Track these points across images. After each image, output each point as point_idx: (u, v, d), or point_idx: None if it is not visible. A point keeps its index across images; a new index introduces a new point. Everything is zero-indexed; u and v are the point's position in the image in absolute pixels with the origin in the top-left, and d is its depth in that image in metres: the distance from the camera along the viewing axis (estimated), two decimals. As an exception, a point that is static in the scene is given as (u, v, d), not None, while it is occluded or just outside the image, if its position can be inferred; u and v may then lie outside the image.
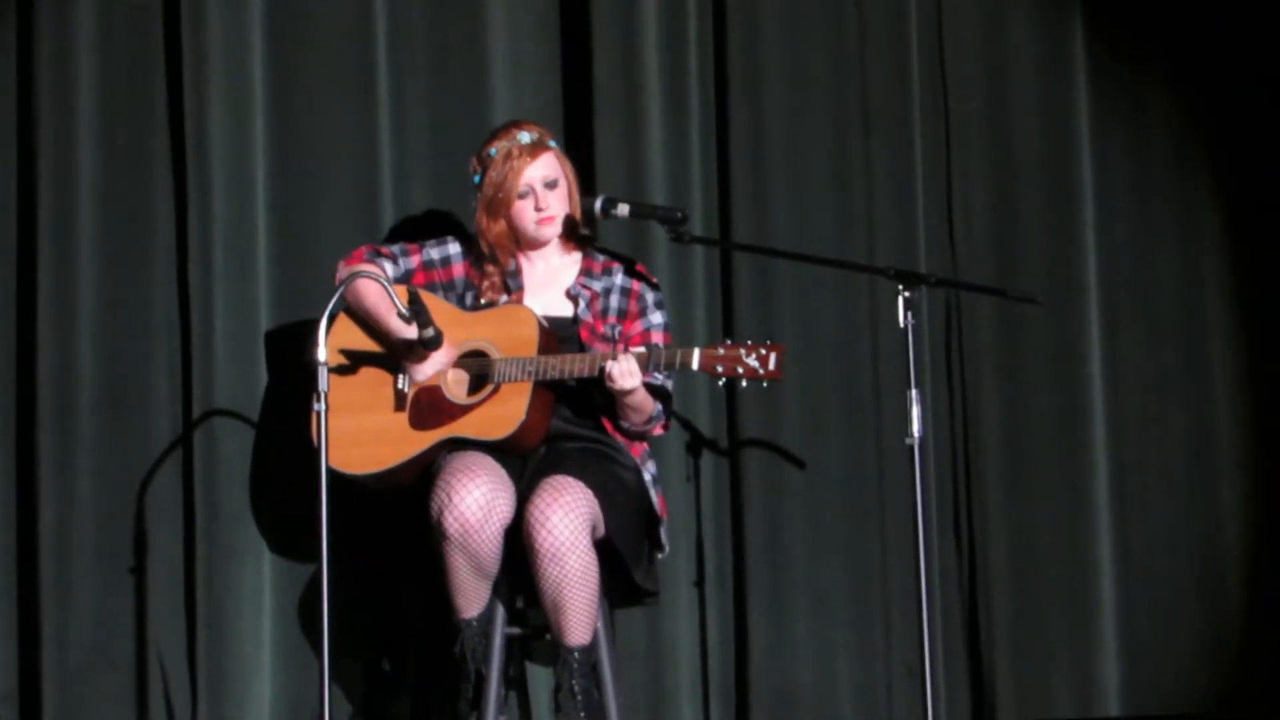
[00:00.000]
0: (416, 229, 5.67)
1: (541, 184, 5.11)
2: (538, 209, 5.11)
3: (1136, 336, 5.86)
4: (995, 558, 5.77)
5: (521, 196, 5.10)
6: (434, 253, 5.25)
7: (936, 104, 5.88)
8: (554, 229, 5.15)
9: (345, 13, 5.75)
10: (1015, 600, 5.74)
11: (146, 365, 5.65)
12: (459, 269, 5.25)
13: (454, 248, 5.26)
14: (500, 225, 5.15)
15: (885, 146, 5.84)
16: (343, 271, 5.12)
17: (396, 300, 4.70)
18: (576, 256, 5.26)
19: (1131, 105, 5.93)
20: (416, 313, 4.78)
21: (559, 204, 5.13)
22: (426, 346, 4.86)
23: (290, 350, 5.51)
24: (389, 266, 5.18)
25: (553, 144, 5.16)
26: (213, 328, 5.59)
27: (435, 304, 5.11)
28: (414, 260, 5.23)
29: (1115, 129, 5.93)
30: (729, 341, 4.89)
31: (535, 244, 5.17)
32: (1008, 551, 5.76)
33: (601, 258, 5.28)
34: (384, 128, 5.75)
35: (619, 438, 5.16)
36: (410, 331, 4.91)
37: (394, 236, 5.70)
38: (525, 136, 5.11)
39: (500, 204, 5.11)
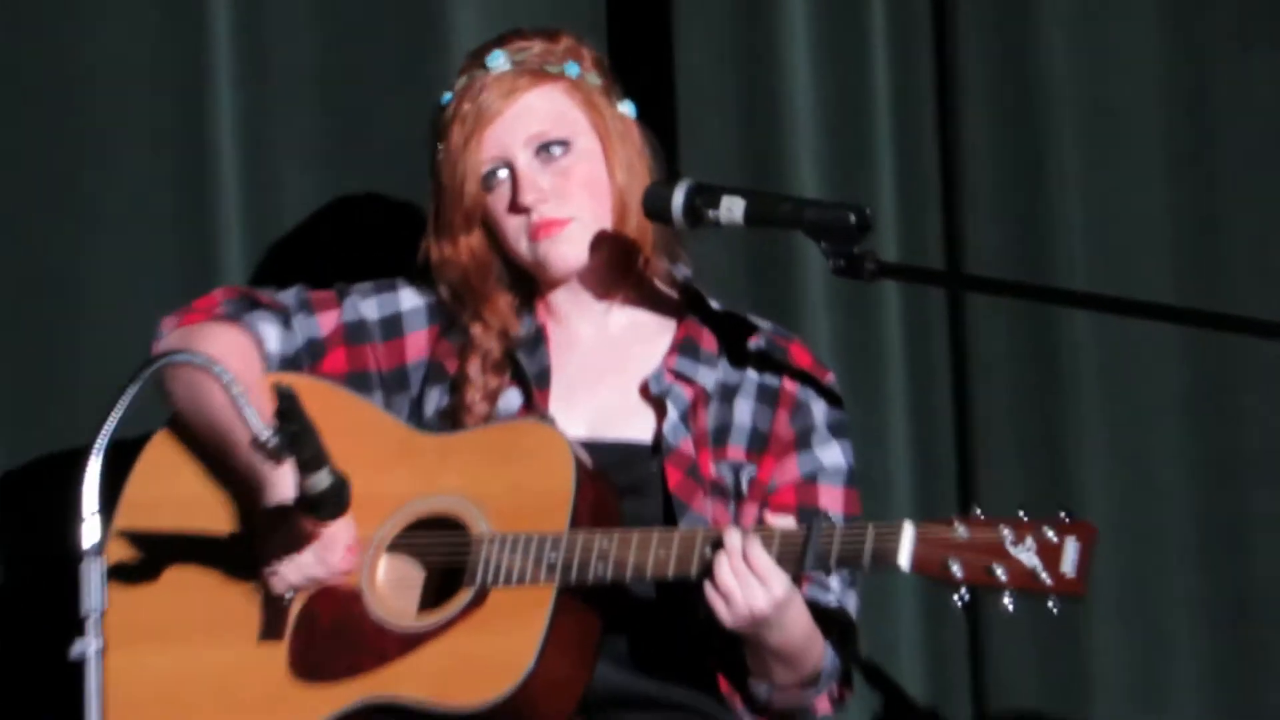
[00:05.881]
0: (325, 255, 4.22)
1: (525, 150, 3.22)
2: (516, 207, 3.22)
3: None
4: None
5: (487, 188, 3.25)
6: (368, 307, 3.40)
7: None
8: (572, 244, 3.24)
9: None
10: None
11: None
12: (417, 342, 3.43)
13: (410, 300, 3.41)
14: (469, 244, 3.31)
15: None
16: (165, 341, 3.34)
17: (249, 412, 2.93)
18: (669, 321, 3.35)
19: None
20: (292, 437, 2.96)
21: (574, 186, 3.24)
22: (314, 510, 3.04)
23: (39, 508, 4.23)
24: (270, 333, 3.39)
25: (565, 68, 3.29)
26: None
27: (356, 416, 3.37)
28: (326, 320, 3.42)
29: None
30: (980, 513, 3.06)
31: (550, 279, 3.29)
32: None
33: (718, 318, 3.42)
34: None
35: (739, 706, 3.37)
36: (281, 478, 3.11)
37: (287, 268, 4.15)
38: (499, 59, 3.27)
39: (454, 208, 3.28)
